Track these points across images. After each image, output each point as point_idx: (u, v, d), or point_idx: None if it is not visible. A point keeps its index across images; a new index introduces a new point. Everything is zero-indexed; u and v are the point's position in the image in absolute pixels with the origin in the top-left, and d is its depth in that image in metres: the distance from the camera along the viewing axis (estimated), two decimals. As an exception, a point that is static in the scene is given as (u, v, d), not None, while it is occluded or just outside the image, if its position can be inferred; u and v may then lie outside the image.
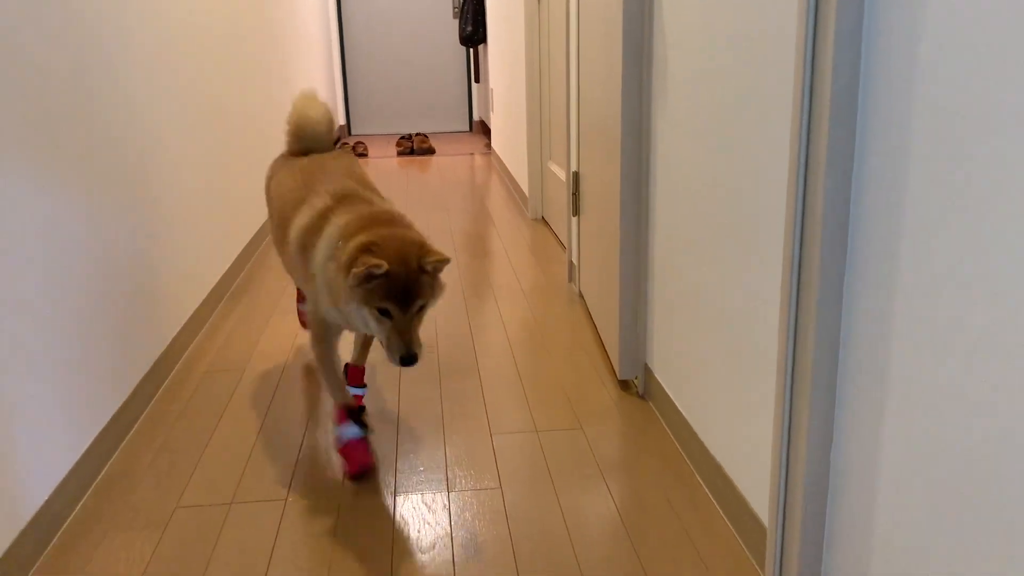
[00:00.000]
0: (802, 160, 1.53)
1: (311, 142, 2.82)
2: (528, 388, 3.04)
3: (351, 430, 2.47)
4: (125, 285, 2.82)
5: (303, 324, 3.61)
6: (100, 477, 2.48)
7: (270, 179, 2.85)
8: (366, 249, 2.00)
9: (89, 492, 2.40)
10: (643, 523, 2.18)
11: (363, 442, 2.49)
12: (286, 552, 2.11)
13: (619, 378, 3.04)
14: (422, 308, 2.06)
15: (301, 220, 2.33)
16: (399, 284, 1.99)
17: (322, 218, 2.25)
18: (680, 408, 2.56)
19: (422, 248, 2.07)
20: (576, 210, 3.99)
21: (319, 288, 2.23)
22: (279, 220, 2.53)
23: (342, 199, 2.32)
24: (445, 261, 2.04)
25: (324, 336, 2.39)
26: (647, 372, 2.89)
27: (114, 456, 2.60)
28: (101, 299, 2.61)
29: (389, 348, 2.02)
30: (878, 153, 1.40)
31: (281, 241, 2.52)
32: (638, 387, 2.97)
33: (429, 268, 2.04)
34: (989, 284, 1.16)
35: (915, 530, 1.35)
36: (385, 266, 1.95)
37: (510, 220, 5.81)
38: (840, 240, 1.50)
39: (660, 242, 2.67)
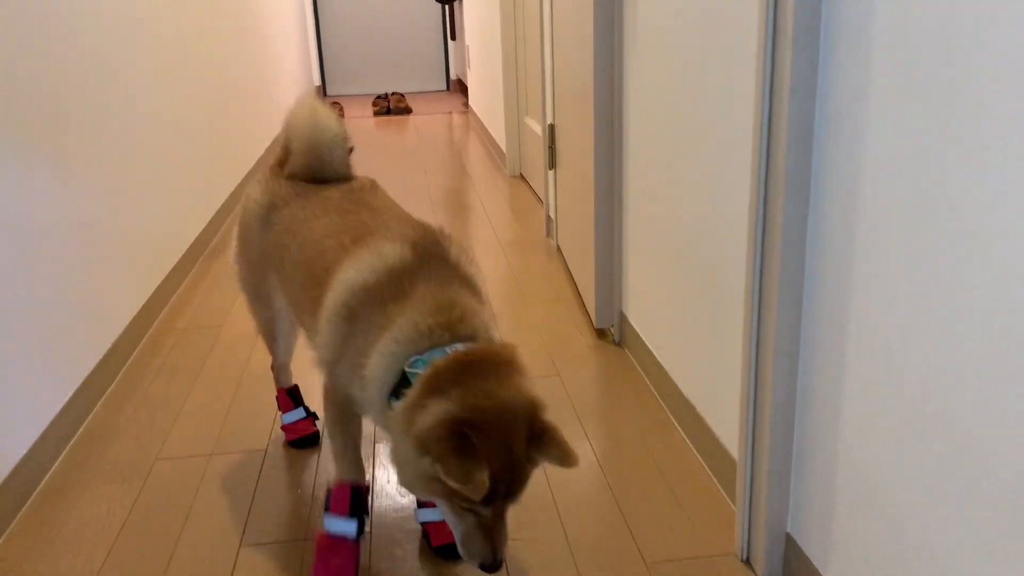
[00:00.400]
0: (765, 109, 1.54)
1: (325, 165, 2.08)
2: (507, 337, 3.06)
3: (343, 525, 1.79)
4: (102, 244, 2.81)
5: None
6: (80, 432, 2.49)
7: (270, 209, 2.05)
8: (458, 433, 1.34)
9: (69, 446, 2.41)
10: (619, 463, 2.22)
11: (352, 547, 1.80)
12: (266, 502, 2.14)
13: (596, 327, 3.08)
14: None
15: (356, 276, 1.63)
16: (497, 481, 1.37)
17: (397, 285, 1.59)
18: (654, 352, 2.59)
19: (535, 425, 1.41)
20: (553, 163, 3.99)
21: (366, 400, 1.60)
22: (306, 271, 1.81)
23: (425, 260, 1.63)
24: (570, 461, 1.41)
25: (346, 417, 1.78)
26: (623, 320, 2.93)
27: (94, 411, 2.61)
28: (78, 257, 2.60)
29: (467, 548, 1.48)
30: (839, 87, 1.41)
31: (305, 300, 1.81)
32: (614, 335, 3.00)
33: (541, 462, 1.44)
34: (953, 199, 1.18)
35: (878, 451, 1.39)
36: (485, 486, 1.33)
37: (488, 177, 5.80)
38: (803, 178, 1.51)
39: (633, 192, 2.69)
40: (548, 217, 4.24)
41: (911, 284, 1.26)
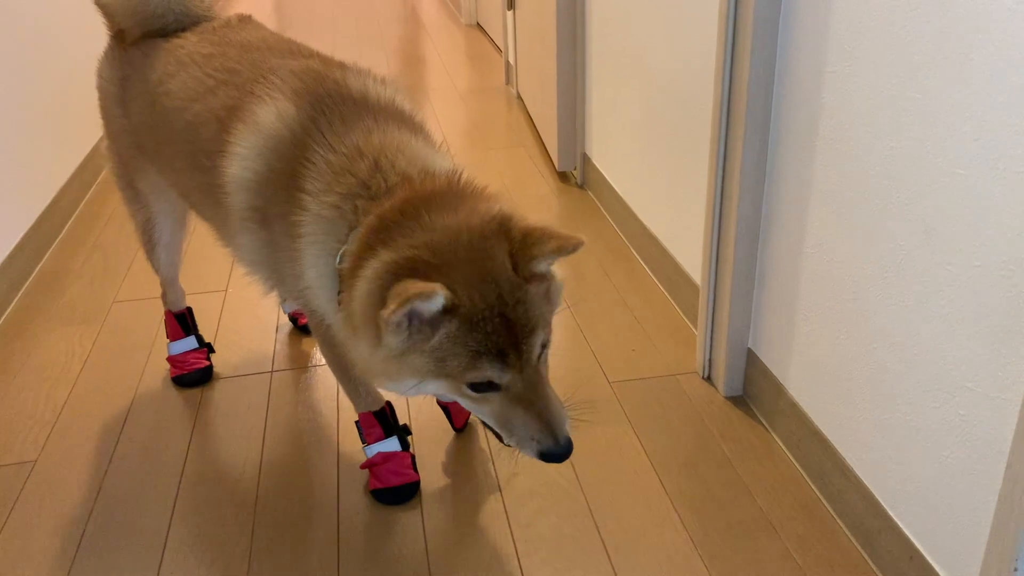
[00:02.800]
0: None
1: (165, 8, 1.64)
2: (466, 183, 3.02)
3: (386, 445, 1.59)
4: (49, 89, 2.66)
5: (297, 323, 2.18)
6: (33, 276, 2.43)
7: (124, 83, 1.66)
8: (407, 269, 1.06)
9: (23, 290, 2.35)
10: (582, 292, 2.24)
11: (403, 455, 1.60)
12: (228, 339, 2.13)
13: (558, 170, 3.04)
14: (543, 347, 1.14)
15: (243, 172, 1.29)
16: (491, 324, 1.05)
17: (292, 162, 1.24)
18: (617, 189, 2.57)
19: (512, 235, 1.10)
20: (511, 3, 3.83)
21: (320, 305, 1.29)
22: (184, 155, 1.47)
23: (317, 110, 1.27)
24: (571, 244, 1.07)
25: (338, 348, 1.41)
26: (585, 161, 2.89)
27: (45, 256, 2.54)
28: (23, 101, 2.46)
29: (514, 436, 1.13)
30: None
31: (194, 192, 1.50)
32: (577, 178, 2.97)
33: (540, 268, 1.10)
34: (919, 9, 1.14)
35: (840, 250, 1.41)
36: (444, 296, 1.02)
37: (443, 26, 5.58)
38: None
39: (596, 28, 2.59)
40: (507, 63, 4.11)
41: (879, 99, 1.24)
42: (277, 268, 1.31)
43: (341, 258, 1.17)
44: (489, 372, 1.07)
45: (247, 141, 1.29)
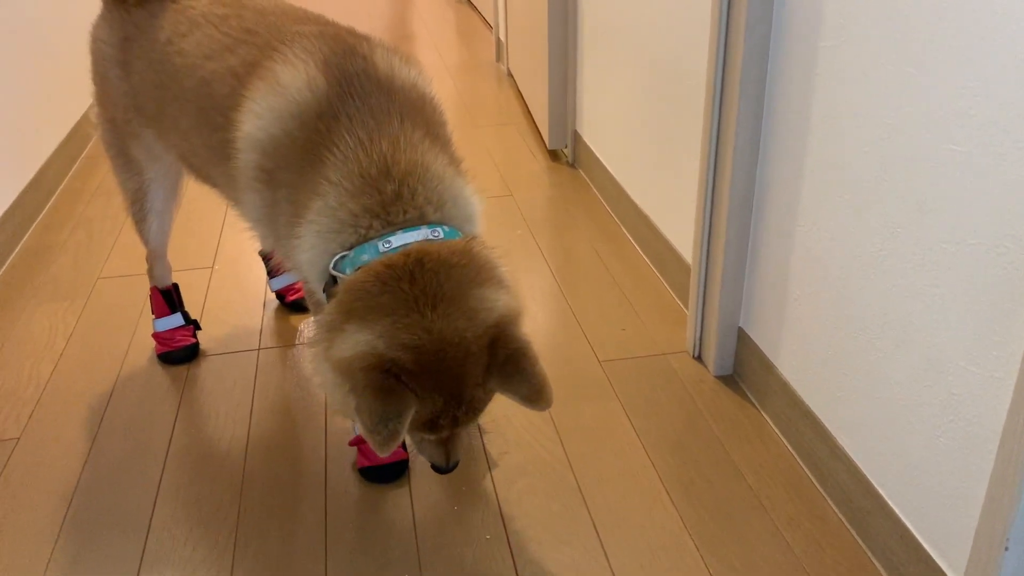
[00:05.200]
0: None
1: None
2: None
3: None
4: (33, 62, 2.60)
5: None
6: (15, 252, 2.40)
7: (124, 44, 1.62)
8: (381, 373, 1.09)
9: (5, 266, 2.32)
10: (572, 274, 2.22)
11: None
12: (216, 316, 2.10)
13: (548, 148, 3.01)
14: None
15: (258, 131, 1.27)
16: (438, 415, 1.14)
17: (313, 136, 1.22)
18: (608, 167, 2.55)
19: (499, 350, 1.13)
20: (502, -20, 3.79)
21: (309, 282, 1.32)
22: (193, 113, 1.44)
23: (345, 86, 1.24)
24: (542, 403, 1.14)
25: None
26: (577, 140, 2.86)
27: (28, 231, 2.51)
28: (5, 74, 2.42)
29: (422, 453, 1.27)
30: None
31: (201, 149, 1.47)
32: (567, 156, 2.95)
33: (508, 395, 1.16)
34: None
35: (832, 228, 1.39)
36: (396, 440, 1.08)
37: (433, 2, 5.52)
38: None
39: (588, 3, 2.56)
40: (498, 40, 4.07)
41: (873, 74, 1.22)
42: (276, 228, 1.32)
43: (336, 264, 1.19)
44: (427, 436, 1.20)
45: (266, 101, 1.26)
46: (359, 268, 1.15)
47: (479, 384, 1.12)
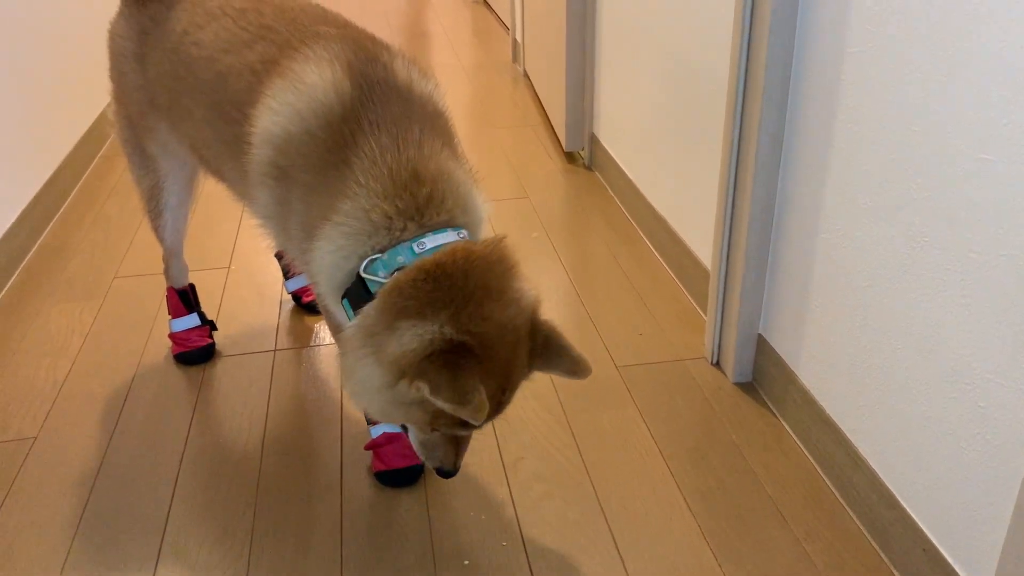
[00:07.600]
0: None
1: None
2: (472, 160, 2.98)
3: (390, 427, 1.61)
4: (51, 61, 2.61)
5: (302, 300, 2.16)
6: (33, 251, 2.40)
7: (141, 37, 1.62)
8: (454, 357, 1.11)
9: (22, 265, 2.33)
10: (589, 277, 2.21)
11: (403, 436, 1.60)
12: (233, 316, 2.10)
13: (565, 150, 3.00)
14: None
15: (276, 127, 1.26)
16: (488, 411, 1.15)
17: (336, 139, 1.22)
18: (625, 170, 2.54)
19: (537, 335, 1.21)
20: (519, -20, 3.78)
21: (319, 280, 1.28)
22: (208, 105, 1.44)
23: (369, 92, 1.25)
24: (582, 373, 1.22)
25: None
26: (594, 143, 2.85)
27: (46, 230, 2.51)
28: (25, 72, 2.42)
29: (427, 454, 1.31)
30: None
31: (214, 143, 1.46)
32: (584, 159, 2.94)
33: (552, 373, 1.26)
34: (951, -28, 1.10)
35: (853, 234, 1.38)
36: (486, 407, 1.10)
37: (449, 2, 5.51)
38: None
39: (607, 3, 2.55)
40: (515, 41, 4.06)
41: (902, 80, 1.20)
42: (286, 227, 1.31)
43: (367, 266, 1.19)
44: (458, 430, 1.22)
45: (287, 99, 1.25)
46: (397, 269, 1.16)
47: (524, 367, 1.20)
